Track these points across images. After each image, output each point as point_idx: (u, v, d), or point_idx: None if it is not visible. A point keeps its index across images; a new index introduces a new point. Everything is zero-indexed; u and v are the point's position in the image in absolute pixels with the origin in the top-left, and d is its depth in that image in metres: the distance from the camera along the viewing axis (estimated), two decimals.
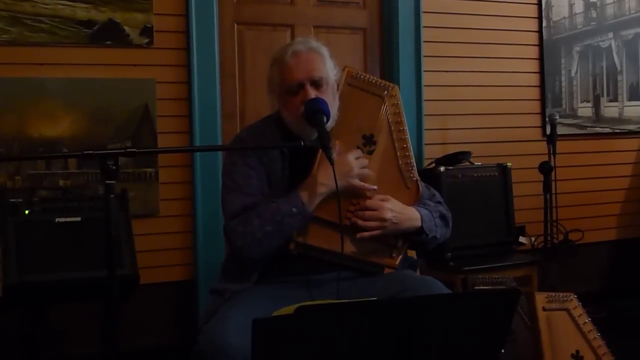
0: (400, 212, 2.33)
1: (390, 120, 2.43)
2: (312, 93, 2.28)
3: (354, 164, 2.31)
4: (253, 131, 2.48)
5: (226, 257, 2.51)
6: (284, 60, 2.32)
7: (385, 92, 2.44)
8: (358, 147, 2.39)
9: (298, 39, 2.48)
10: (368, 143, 2.41)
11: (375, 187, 2.34)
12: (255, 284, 2.31)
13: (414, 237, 2.38)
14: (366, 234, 2.30)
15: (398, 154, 2.42)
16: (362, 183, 2.33)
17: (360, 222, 2.30)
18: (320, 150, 2.25)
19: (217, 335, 2.04)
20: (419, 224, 2.34)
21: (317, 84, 2.31)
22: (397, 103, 2.45)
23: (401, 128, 2.43)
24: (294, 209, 2.22)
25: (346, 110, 2.40)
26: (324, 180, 2.24)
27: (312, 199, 2.25)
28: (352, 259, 2.34)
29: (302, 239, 2.28)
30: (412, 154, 2.44)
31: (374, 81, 2.46)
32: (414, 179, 2.43)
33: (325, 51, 2.39)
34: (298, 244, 2.28)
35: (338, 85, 2.40)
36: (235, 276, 2.34)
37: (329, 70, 2.36)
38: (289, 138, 2.36)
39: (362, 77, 2.45)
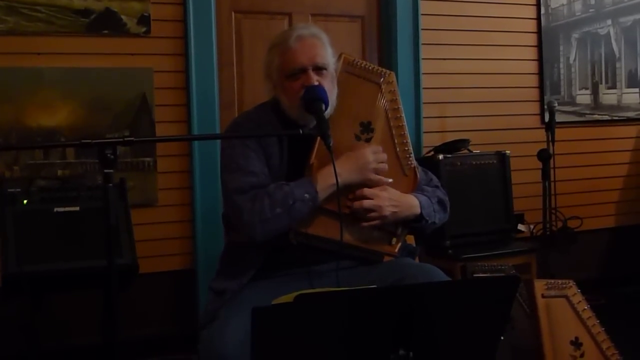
0: (398, 200, 2.31)
1: (387, 107, 2.39)
2: (314, 78, 2.25)
3: (372, 158, 2.29)
4: (250, 117, 2.43)
5: (224, 248, 2.47)
6: (287, 44, 2.29)
7: (382, 78, 2.41)
8: (356, 135, 2.37)
9: (299, 25, 2.47)
10: (365, 130, 2.37)
11: (390, 180, 2.32)
12: (255, 279, 2.28)
13: (413, 223, 2.37)
14: (365, 224, 2.29)
15: (395, 141, 2.39)
16: (378, 177, 2.30)
17: (360, 212, 2.29)
18: (318, 138, 2.23)
19: (218, 346, 2.00)
20: (418, 211, 2.33)
21: (318, 70, 2.28)
22: (394, 90, 2.41)
23: (398, 115, 2.40)
24: (306, 195, 2.19)
25: (343, 97, 2.36)
26: (339, 170, 2.21)
27: (324, 188, 2.23)
28: (352, 247, 2.32)
29: (301, 228, 2.26)
30: (409, 141, 2.41)
31: (370, 68, 2.42)
32: (412, 165, 2.40)
33: (326, 38, 2.37)
34: (297, 233, 2.26)
35: (335, 73, 2.38)
36: (233, 271, 2.31)
37: (329, 57, 2.33)
38: (286, 124, 2.33)
39: (358, 63, 2.42)
